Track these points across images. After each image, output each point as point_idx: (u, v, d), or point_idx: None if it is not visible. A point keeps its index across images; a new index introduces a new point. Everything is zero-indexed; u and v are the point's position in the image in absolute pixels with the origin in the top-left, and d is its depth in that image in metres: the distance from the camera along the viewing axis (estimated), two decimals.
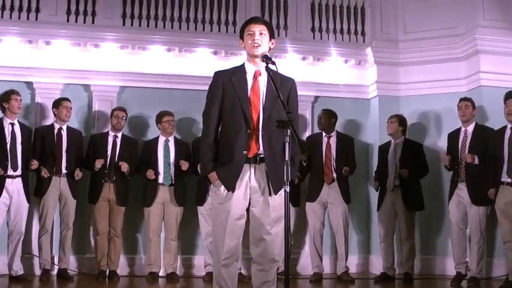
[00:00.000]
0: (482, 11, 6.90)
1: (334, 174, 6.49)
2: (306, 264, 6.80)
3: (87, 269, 6.44)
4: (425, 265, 6.87)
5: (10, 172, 5.81)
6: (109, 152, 6.34)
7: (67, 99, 6.33)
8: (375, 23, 7.51)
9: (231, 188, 3.38)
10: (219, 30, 7.15)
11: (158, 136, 6.52)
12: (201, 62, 7.04)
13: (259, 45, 3.46)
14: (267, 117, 3.41)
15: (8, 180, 5.80)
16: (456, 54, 7.06)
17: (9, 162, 5.81)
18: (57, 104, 6.27)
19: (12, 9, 6.69)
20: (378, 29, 7.49)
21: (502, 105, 5.84)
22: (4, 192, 5.78)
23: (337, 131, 6.74)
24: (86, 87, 6.87)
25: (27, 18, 6.73)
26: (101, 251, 6.24)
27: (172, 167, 6.37)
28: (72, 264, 6.39)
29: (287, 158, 3.10)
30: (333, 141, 6.62)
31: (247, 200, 3.42)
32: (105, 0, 6.89)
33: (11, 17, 6.68)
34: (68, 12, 6.83)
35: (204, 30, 7.10)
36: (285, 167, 3.09)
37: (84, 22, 6.84)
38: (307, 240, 6.84)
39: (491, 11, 6.90)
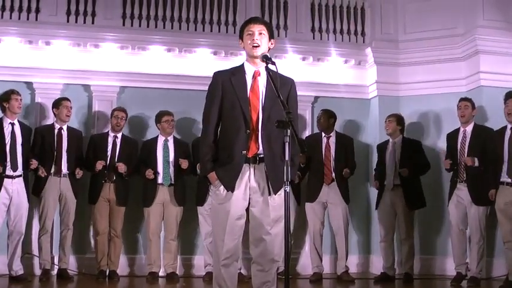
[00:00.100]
0: (482, 11, 6.91)
1: (334, 175, 6.49)
2: (306, 264, 6.81)
3: (87, 269, 6.44)
4: (425, 265, 6.88)
5: (10, 172, 5.81)
6: (109, 153, 6.34)
7: (67, 99, 6.33)
8: (375, 23, 7.52)
9: (230, 188, 3.38)
10: (219, 31, 7.16)
11: (157, 136, 6.52)
12: (201, 62, 7.04)
13: (259, 46, 3.46)
14: (266, 117, 3.41)
15: (7, 181, 5.80)
16: (456, 55, 7.06)
17: (9, 162, 5.81)
18: (57, 104, 6.27)
19: (12, 9, 6.69)
20: (378, 29, 7.49)
21: (502, 105, 5.84)
22: (4, 193, 5.77)
23: (336, 131, 6.75)
24: (86, 87, 6.88)
25: (27, 19, 6.73)
26: (101, 251, 6.24)
27: (171, 167, 6.37)
28: (72, 264, 6.39)
29: (287, 158, 3.10)
30: (332, 141, 6.62)
31: (246, 200, 3.42)
32: (105, 1, 6.89)
33: (11, 17, 6.69)
34: (68, 13, 6.83)
35: (204, 30, 7.11)
36: (285, 167, 3.09)
37: (84, 22, 6.85)
38: (307, 240, 6.84)
39: (491, 11, 6.91)
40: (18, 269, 5.86)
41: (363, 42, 7.52)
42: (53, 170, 6.09)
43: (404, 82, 7.32)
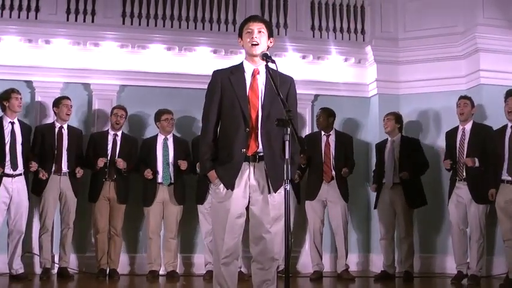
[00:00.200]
0: (482, 9, 6.91)
1: (333, 173, 6.49)
2: (306, 262, 6.81)
3: (87, 268, 6.44)
4: (425, 263, 6.88)
5: (9, 171, 5.81)
6: (109, 151, 6.34)
7: (67, 98, 6.33)
8: (375, 21, 7.52)
9: (230, 186, 3.38)
10: (219, 29, 7.16)
11: (157, 134, 6.52)
12: (200, 60, 7.04)
13: (258, 44, 3.46)
14: (265, 115, 3.41)
15: (7, 179, 5.80)
16: (456, 53, 7.06)
17: (9, 161, 5.81)
18: (58, 102, 6.27)
19: (12, 8, 6.69)
20: (378, 28, 7.49)
21: (502, 103, 5.84)
22: (4, 191, 5.78)
23: (335, 130, 6.75)
24: (86, 86, 6.88)
25: (27, 17, 6.74)
26: (101, 249, 6.24)
27: (171, 166, 6.37)
28: (72, 262, 6.39)
29: (287, 156, 3.10)
30: (332, 139, 6.63)
31: (246, 198, 3.42)
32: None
33: (10, 16, 6.69)
34: (68, 11, 6.84)
35: (203, 29, 7.11)
36: (285, 166, 3.09)
37: (84, 21, 6.85)
38: (307, 238, 6.85)
39: (491, 9, 6.91)
40: (18, 267, 5.86)
41: (363, 40, 7.52)
42: (53, 168, 6.09)
43: (404, 80, 7.32)
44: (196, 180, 6.44)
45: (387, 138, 6.65)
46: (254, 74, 3.49)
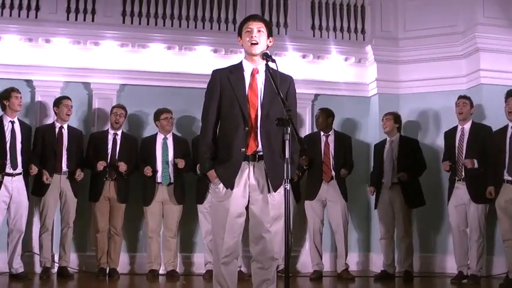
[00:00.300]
0: (482, 8, 6.90)
1: (333, 173, 6.49)
2: (306, 262, 6.81)
3: (87, 267, 6.45)
4: (425, 263, 6.88)
5: (9, 170, 5.81)
6: (109, 150, 6.34)
7: (68, 98, 6.33)
8: (375, 21, 7.51)
9: (229, 185, 3.38)
10: (219, 28, 7.16)
11: (156, 133, 6.52)
12: (201, 60, 7.04)
13: (257, 43, 3.45)
14: (265, 114, 3.41)
15: (7, 178, 5.80)
16: (456, 52, 7.06)
17: (9, 160, 5.81)
18: (58, 102, 6.28)
19: (12, 7, 6.69)
20: (378, 27, 7.49)
21: (502, 103, 5.83)
22: (4, 190, 5.78)
23: (334, 130, 6.75)
24: (86, 85, 6.88)
25: (27, 16, 6.74)
26: (100, 248, 6.24)
27: (170, 166, 6.36)
28: (72, 262, 6.39)
29: (287, 156, 3.10)
30: (331, 139, 6.63)
31: (246, 197, 3.42)
32: None
33: (10, 15, 6.69)
34: (68, 10, 6.83)
35: (204, 28, 7.11)
36: (285, 165, 3.09)
37: (84, 20, 6.85)
38: (307, 238, 6.84)
39: (491, 8, 6.90)
40: (18, 267, 5.86)
41: (363, 40, 7.52)
42: (54, 168, 6.08)
43: (405, 80, 7.32)
44: (196, 180, 6.44)
45: (386, 139, 6.65)
46: (253, 74, 3.49)
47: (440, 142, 6.78)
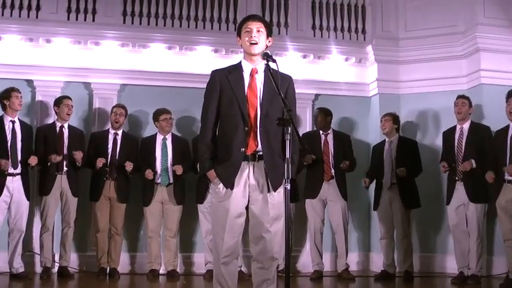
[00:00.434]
0: (482, 8, 6.89)
1: (333, 171, 6.49)
2: (306, 262, 6.81)
3: (88, 267, 6.45)
4: (425, 263, 6.88)
5: (10, 170, 5.81)
6: (110, 150, 6.34)
7: (68, 98, 6.34)
8: (376, 21, 7.51)
9: (229, 185, 3.39)
10: (220, 28, 7.16)
11: (156, 134, 6.51)
12: (201, 60, 7.04)
13: (256, 43, 3.46)
14: (264, 114, 3.41)
15: (8, 178, 5.80)
16: (457, 52, 7.06)
17: (10, 160, 5.81)
18: (58, 102, 6.28)
19: (12, 7, 6.70)
20: (379, 27, 7.49)
21: (502, 103, 5.83)
22: (4, 190, 5.78)
23: (333, 129, 6.76)
24: (87, 85, 6.88)
25: (28, 16, 6.74)
26: (101, 248, 6.25)
27: (170, 167, 6.36)
28: (73, 262, 6.40)
29: (287, 155, 3.10)
30: (330, 138, 6.63)
31: (246, 197, 3.42)
32: None
33: (11, 15, 6.69)
34: (69, 10, 6.84)
35: (204, 28, 7.11)
36: (285, 165, 3.09)
37: (85, 20, 6.85)
38: (308, 238, 6.84)
39: (492, 8, 6.90)
40: (18, 266, 5.87)
41: (364, 40, 7.52)
42: (55, 168, 6.09)
43: (405, 80, 7.32)
44: (196, 180, 6.44)
45: (385, 139, 6.65)
46: (252, 73, 3.49)
47: (440, 142, 6.76)
